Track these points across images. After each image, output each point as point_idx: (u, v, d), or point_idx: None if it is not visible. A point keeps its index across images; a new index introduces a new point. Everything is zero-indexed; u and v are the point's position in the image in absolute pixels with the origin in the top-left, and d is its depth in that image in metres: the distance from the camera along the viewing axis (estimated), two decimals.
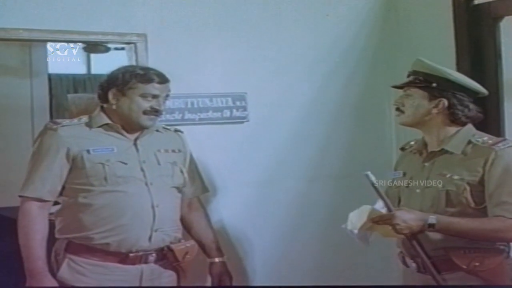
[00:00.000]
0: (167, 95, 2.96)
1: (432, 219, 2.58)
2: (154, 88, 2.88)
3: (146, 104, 2.87)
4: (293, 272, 3.77)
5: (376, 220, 2.67)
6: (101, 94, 2.93)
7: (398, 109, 2.79)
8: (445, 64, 3.53)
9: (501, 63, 3.55)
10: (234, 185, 3.63)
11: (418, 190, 2.74)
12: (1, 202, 5.67)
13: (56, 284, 2.80)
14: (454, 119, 2.71)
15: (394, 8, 3.94)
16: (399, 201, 2.83)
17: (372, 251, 3.23)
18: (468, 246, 2.61)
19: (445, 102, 2.69)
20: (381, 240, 2.91)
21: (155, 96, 2.88)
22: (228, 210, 3.66)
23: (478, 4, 3.60)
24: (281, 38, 3.75)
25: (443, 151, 2.71)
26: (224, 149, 3.63)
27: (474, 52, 3.60)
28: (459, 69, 3.58)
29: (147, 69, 2.99)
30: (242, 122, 3.69)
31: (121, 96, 2.88)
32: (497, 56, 3.55)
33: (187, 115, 3.57)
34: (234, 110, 3.66)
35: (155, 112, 2.89)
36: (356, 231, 2.72)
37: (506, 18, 3.52)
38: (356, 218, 2.72)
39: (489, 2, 3.55)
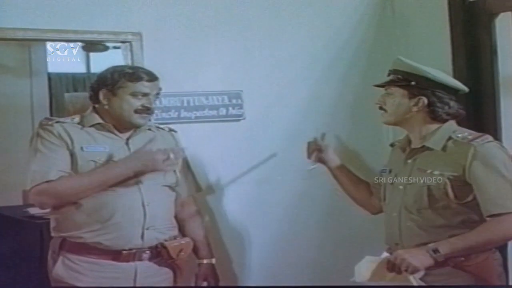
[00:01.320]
0: (158, 93, 2.96)
1: (431, 245, 2.59)
2: (143, 86, 2.89)
3: (137, 103, 2.88)
4: (291, 270, 3.78)
5: (390, 268, 2.62)
6: (92, 95, 2.95)
7: (380, 108, 2.85)
8: (441, 61, 3.58)
9: (497, 60, 3.55)
10: (229, 183, 3.64)
11: (401, 187, 2.80)
12: (1, 201, 5.69)
13: None
14: (435, 117, 2.75)
15: (390, 5, 3.94)
16: (384, 198, 2.91)
17: (371, 250, 3.24)
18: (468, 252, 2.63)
19: (424, 100, 2.74)
20: (380, 239, 2.93)
21: (145, 94, 2.89)
22: (225, 208, 3.67)
23: (473, 1, 3.60)
24: (277, 36, 3.75)
25: (425, 148, 2.76)
26: (220, 147, 3.64)
27: (470, 48, 3.60)
28: (455, 65, 3.59)
29: (135, 68, 3.00)
30: (238, 120, 3.69)
31: (112, 96, 2.89)
32: (493, 52, 3.55)
33: (183, 114, 3.57)
34: (230, 108, 3.67)
35: (147, 110, 2.90)
36: (367, 283, 2.68)
37: (502, 14, 3.51)
38: (364, 269, 2.68)
39: None
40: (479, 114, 3.58)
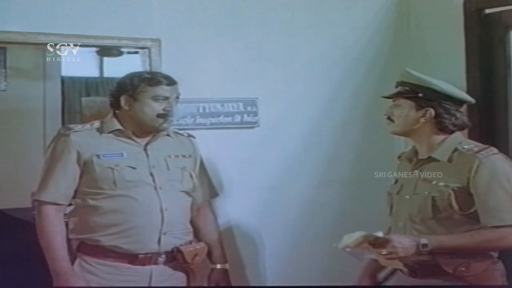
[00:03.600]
0: (177, 97, 2.99)
1: (423, 239, 2.62)
2: (163, 90, 2.92)
3: (159, 107, 2.91)
4: (301, 277, 3.79)
5: (373, 242, 2.67)
6: (113, 101, 2.98)
7: (388, 118, 2.88)
8: (455, 72, 3.60)
9: (511, 73, 3.56)
10: (244, 189, 3.64)
11: (407, 197, 2.83)
12: (13, 203, 5.72)
13: (83, 283, 2.85)
14: (442, 128, 2.78)
15: (406, 16, 3.95)
16: (391, 208, 2.93)
17: None
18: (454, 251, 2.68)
19: (432, 111, 2.77)
20: None
21: (166, 98, 2.92)
22: (238, 214, 3.68)
23: (489, 13, 3.60)
24: (293, 44, 3.76)
25: (431, 159, 2.79)
26: (234, 153, 3.65)
27: (485, 61, 3.60)
28: (469, 77, 3.60)
29: (154, 73, 3.06)
30: (253, 127, 3.71)
31: (133, 101, 2.92)
32: (507, 64, 3.56)
33: (199, 120, 3.60)
34: (245, 115, 3.69)
35: (168, 114, 2.93)
36: (348, 249, 2.71)
37: None
38: (348, 238, 2.71)
39: (500, 12, 3.56)
40: (492, 126, 3.59)
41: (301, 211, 3.83)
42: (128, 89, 2.92)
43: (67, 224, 2.95)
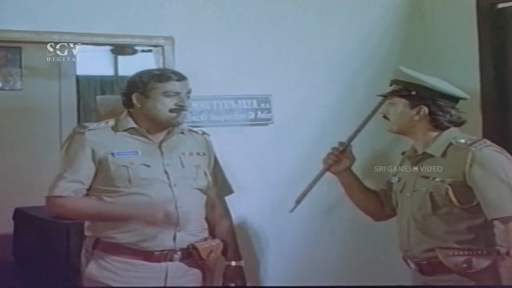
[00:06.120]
0: (188, 92, 2.99)
1: None
2: (173, 85, 2.93)
3: (170, 102, 2.92)
4: (316, 274, 3.79)
5: None
6: (125, 100, 3.00)
7: (384, 117, 2.94)
8: (469, 67, 3.59)
9: None
10: (258, 186, 3.65)
11: (408, 194, 2.86)
12: (30, 202, 5.76)
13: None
14: (437, 125, 2.81)
15: (418, 11, 3.95)
16: (397, 206, 2.96)
17: (389, 256, 3.27)
18: (456, 246, 2.69)
19: (425, 109, 2.80)
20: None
21: (176, 93, 2.93)
22: (252, 211, 3.68)
23: (502, 8, 3.60)
24: (306, 41, 3.77)
25: (426, 155, 2.81)
26: (248, 150, 3.66)
27: (498, 55, 3.60)
28: (483, 72, 3.60)
29: (162, 69, 3.10)
30: (267, 124, 3.72)
31: (145, 98, 2.93)
32: None
33: (213, 117, 3.61)
34: (259, 112, 3.70)
35: (181, 108, 2.94)
36: None
37: None
38: None
39: None
40: (506, 122, 3.59)
41: (316, 208, 3.83)
42: (138, 86, 2.94)
43: (74, 223, 2.98)
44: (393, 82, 2.91)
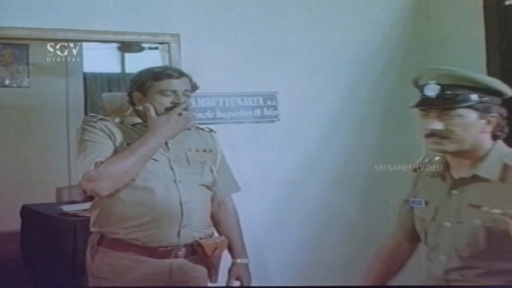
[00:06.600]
0: (187, 90, 2.97)
1: None
2: (170, 83, 2.91)
3: (166, 101, 2.91)
4: (322, 272, 3.80)
5: None
6: (129, 98, 3.01)
7: (434, 135, 2.30)
8: (476, 64, 3.58)
9: None
10: (264, 183, 3.67)
11: (448, 224, 2.33)
12: (38, 199, 5.78)
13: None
14: (495, 136, 2.32)
15: (425, 8, 3.95)
16: (425, 235, 2.43)
17: None
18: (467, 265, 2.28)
19: (496, 118, 2.30)
20: None
21: (173, 92, 2.92)
22: (258, 208, 3.70)
23: (509, 5, 3.59)
24: (312, 38, 3.78)
25: (476, 178, 2.27)
26: (254, 147, 3.68)
27: (505, 51, 3.59)
28: (489, 69, 3.59)
29: (163, 67, 3.04)
30: (273, 121, 3.73)
31: (143, 97, 2.93)
32: None
33: (219, 114, 3.62)
34: (265, 109, 3.70)
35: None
36: None
37: None
38: None
39: None
40: None
41: (321, 205, 3.84)
42: (138, 85, 2.95)
43: (81, 220, 2.97)
44: (446, 87, 2.28)
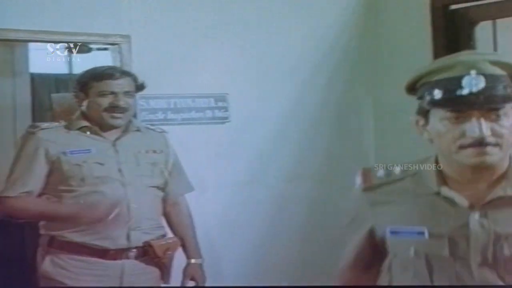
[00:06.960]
0: (129, 91, 2.95)
1: None
2: (109, 85, 2.90)
3: (105, 102, 2.90)
4: (274, 272, 3.81)
5: None
6: (76, 99, 3.00)
7: (481, 144, 1.72)
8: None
9: None
10: (216, 184, 3.66)
11: (473, 264, 1.77)
12: None
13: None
14: None
15: (374, 11, 4.00)
16: (430, 273, 1.83)
17: None
18: None
19: None
20: None
21: (112, 93, 2.91)
22: (209, 210, 3.68)
23: (455, 9, 3.67)
24: (263, 40, 3.80)
25: (500, 199, 1.78)
26: (205, 149, 3.67)
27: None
28: None
29: (105, 67, 3.03)
30: (224, 123, 3.73)
31: (85, 97, 2.93)
32: None
33: (170, 115, 3.61)
34: (216, 111, 3.71)
35: (116, 108, 2.91)
36: None
37: (481, 23, 3.59)
38: None
39: (465, 7, 3.62)
40: None
41: (272, 206, 3.86)
42: (80, 86, 2.95)
43: (29, 223, 2.96)
44: (490, 79, 1.72)
